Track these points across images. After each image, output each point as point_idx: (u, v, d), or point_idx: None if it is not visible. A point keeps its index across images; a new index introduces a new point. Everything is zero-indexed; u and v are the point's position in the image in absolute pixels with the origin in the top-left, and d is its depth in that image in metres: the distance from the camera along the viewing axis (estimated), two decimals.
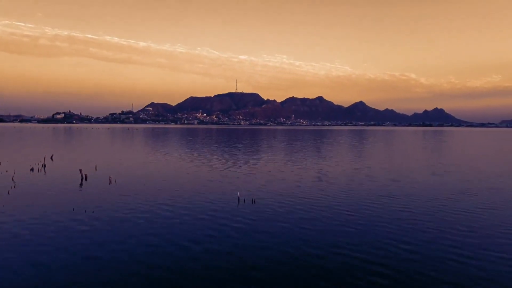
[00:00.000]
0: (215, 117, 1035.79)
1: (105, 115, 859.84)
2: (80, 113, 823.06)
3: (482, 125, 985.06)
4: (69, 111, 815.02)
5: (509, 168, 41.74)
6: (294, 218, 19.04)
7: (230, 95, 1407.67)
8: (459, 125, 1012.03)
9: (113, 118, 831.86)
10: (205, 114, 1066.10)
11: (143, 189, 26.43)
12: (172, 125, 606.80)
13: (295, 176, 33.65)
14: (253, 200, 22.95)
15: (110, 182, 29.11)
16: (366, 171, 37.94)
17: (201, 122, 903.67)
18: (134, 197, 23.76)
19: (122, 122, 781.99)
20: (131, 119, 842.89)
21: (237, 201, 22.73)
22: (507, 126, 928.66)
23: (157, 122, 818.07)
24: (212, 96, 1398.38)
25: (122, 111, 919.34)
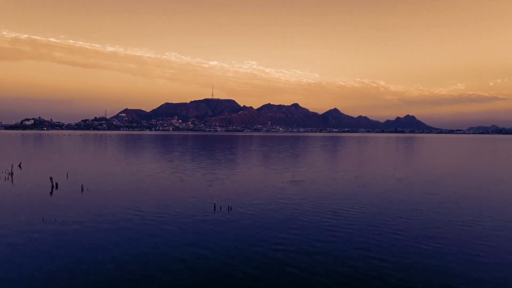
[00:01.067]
0: (191, 123, 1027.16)
1: (77, 122, 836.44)
2: (51, 120, 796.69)
3: (451, 131, 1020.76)
4: (39, 117, 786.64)
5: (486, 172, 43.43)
6: (270, 225, 19.09)
7: (206, 101, 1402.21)
8: (430, 132, 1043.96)
9: (86, 125, 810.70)
10: (180, 121, 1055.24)
11: (117, 198, 25.86)
12: (147, 132, 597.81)
13: (272, 183, 33.77)
14: (230, 207, 22.86)
15: (82, 190, 28.36)
16: (342, 177, 38.51)
17: (176, 128, 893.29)
18: (108, 205, 23.22)
19: (95, 128, 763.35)
20: (104, 125, 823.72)
21: (213, 209, 22.59)
22: (473, 133, 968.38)
23: (131, 129, 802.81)
24: (188, 102, 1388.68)
25: (95, 118, 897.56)
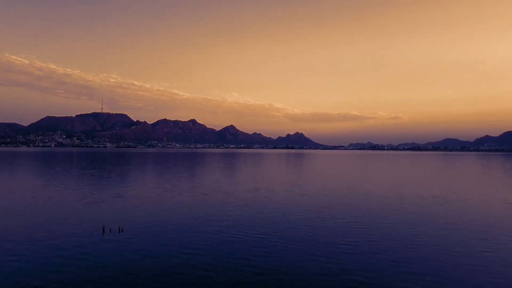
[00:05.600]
0: (77, 139, 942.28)
1: None
2: None
3: (335, 147, 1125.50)
4: None
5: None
6: (164, 246, 19.04)
7: (95, 115, 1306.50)
8: (316, 148, 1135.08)
9: None
10: (64, 136, 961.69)
11: None
12: (24, 148, 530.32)
13: (166, 201, 33.33)
14: (121, 229, 22.02)
15: None
16: (242, 191, 39.75)
17: (60, 144, 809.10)
18: None
19: None
20: None
21: (102, 231, 21.47)
22: (353, 149, 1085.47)
23: (4, 145, 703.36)
24: (74, 116, 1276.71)
25: None
